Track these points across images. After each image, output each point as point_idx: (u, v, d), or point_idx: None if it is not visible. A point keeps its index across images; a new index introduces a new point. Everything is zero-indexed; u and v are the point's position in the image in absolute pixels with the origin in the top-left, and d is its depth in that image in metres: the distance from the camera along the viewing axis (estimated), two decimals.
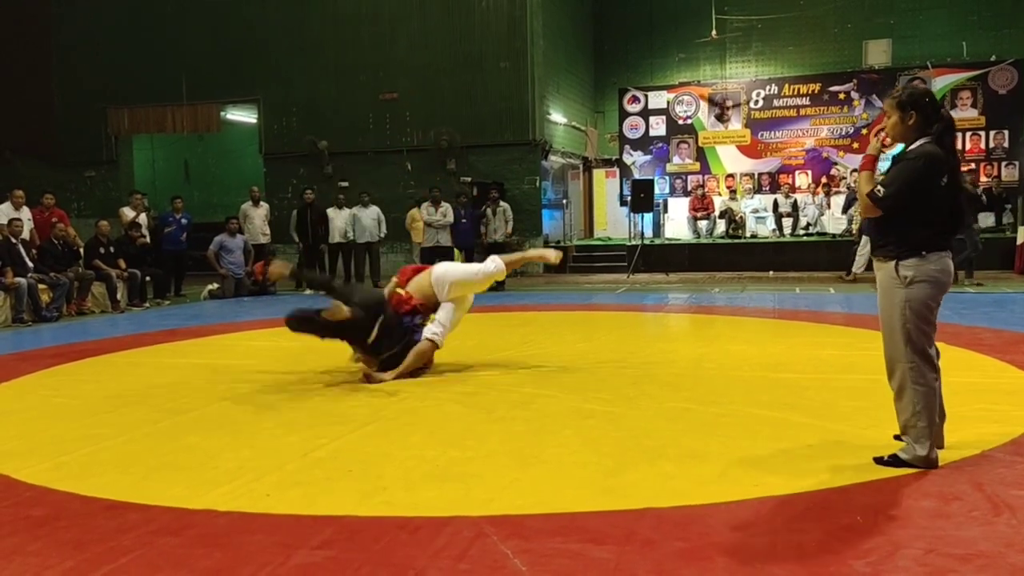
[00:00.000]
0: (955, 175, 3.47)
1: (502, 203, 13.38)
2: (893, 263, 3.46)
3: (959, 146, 17.09)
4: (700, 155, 18.63)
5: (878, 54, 18.11)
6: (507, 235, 13.23)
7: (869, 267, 12.38)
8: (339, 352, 6.98)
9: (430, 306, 5.95)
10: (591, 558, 2.65)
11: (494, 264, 6.03)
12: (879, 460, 3.53)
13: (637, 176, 17.87)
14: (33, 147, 17.85)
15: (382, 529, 2.94)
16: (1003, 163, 16.94)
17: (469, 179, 15.75)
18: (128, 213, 12.51)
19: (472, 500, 3.21)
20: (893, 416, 4.31)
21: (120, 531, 2.97)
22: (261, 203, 13.98)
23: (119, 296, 11.18)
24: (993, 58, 17.02)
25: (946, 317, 8.20)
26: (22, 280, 9.77)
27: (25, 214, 11.00)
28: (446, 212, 13.05)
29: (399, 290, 6.01)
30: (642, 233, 16.04)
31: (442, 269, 6.12)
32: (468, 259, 13.46)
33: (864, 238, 13.15)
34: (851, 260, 13.04)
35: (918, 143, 3.49)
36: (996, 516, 2.91)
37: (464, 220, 13.19)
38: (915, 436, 3.48)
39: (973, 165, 17.07)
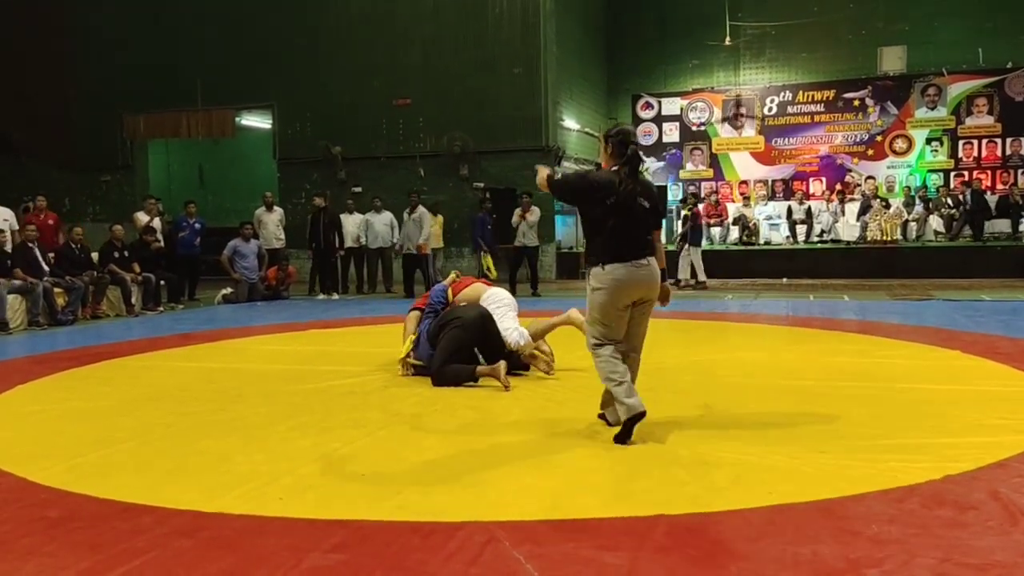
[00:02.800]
0: (628, 199, 4.11)
1: (534, 207, 13.20)
2: (588, 269, 4.26)
3: (974, 153, 17.05)
4: (714, 161, 18.62)
5: (893, 61, 18.03)
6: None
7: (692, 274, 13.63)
8: (351, 357, 7.01)
9: None
10: (604, 564, 2.64)
11: (519, 337, 5.94)
12: (600, 415, 4.46)
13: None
14: (50, 152, 18.02)
15: (394, 533, 2.94)
16: (1019, 170, 16.83)
17: (482, 184, 15.78)
18: (142, 218, 12.60)
19: (485, 505, 3.21)
20: (910, 424, 4.30)
21: (134, 533, 2.98)
22: (275, 208, 14.04)
23: (133, 300, 11.25)
24: (1009, 64, 16.92)
25: (962, 325, 8.19)
26: (37, 283, 9.85)
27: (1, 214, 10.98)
28: (420, 218, 13.15)
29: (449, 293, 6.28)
30: None
31: (495, 301, 6.15)
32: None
33: (687, 246, 13.85)
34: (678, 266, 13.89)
35: (610, 169, 4.27)
36: (1013, 526, 2.88)
37: (490, 227, 13.23)
38: (614, 403, 4.17)
39: (989, 172, 17.01)
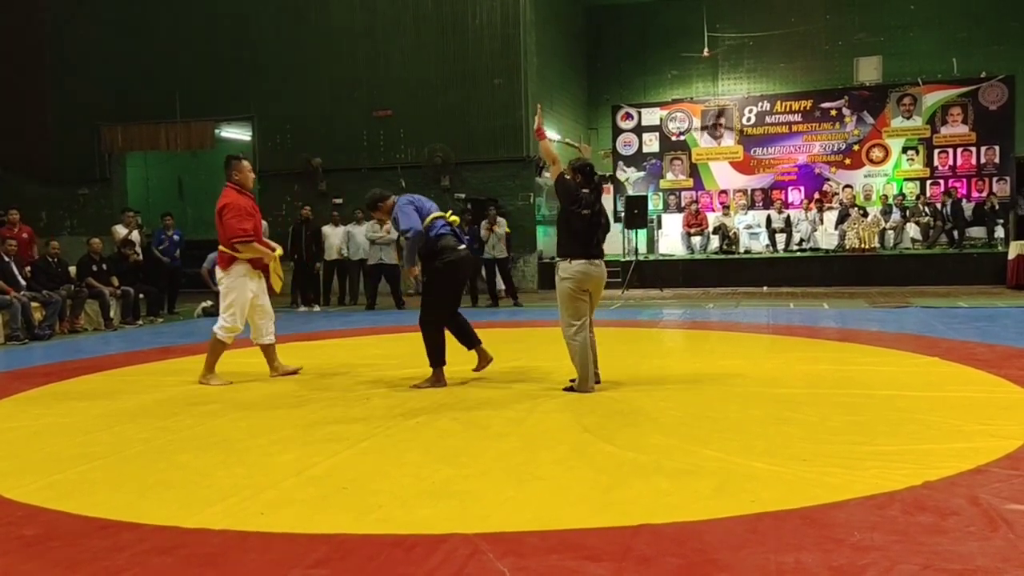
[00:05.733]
0: (594, 217, 5.58)
1: (500, 219, 13.42)
2: (557, 263, 5.69)
3: (950, 162, 17.28)
4: (693, 171, 18.71)
5: (869, 71, 18.24)
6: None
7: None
8: (332, 369, 6.98)
9: None
10: (588, 574, 2.64)
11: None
12: (566, 388, 5.65)
13: (631, 192, 17.94)
14: (27, 165, 17.84)
15: (377, 547, 2.92)
16: (994, 178, 17.05)
17: (463, 195, 15.78)
18: (120, 231, 12.49)
19: (468, 517, 3.20)
20: (890, 430, 4.34)
21: (113, 550, 2.95)
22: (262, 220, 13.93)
23: (112, 314, 11.14)
24: (983, 74, 17.16)
25: (940, 332, 8.28)
26: (15, 297, 9.73)
27: None
28: (390, 230, 13.02)
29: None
30: (636, 249, 16.09)
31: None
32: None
33: None
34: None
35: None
36: (993, 531, 2.90)
37: (467, 237, 13.20)
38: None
39: (964, 180, 17.22)
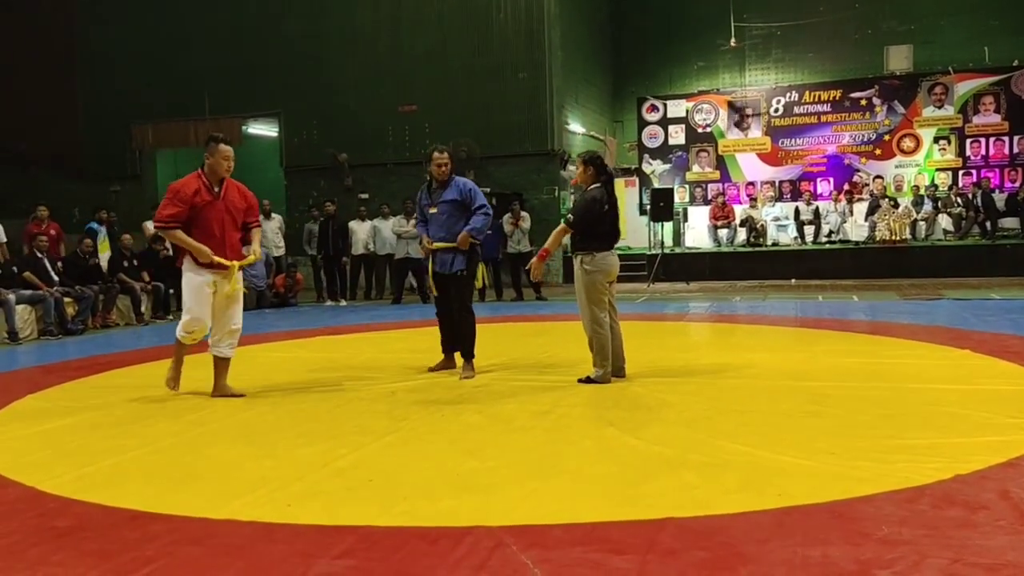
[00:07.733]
0: (612, 208, 5.71)
1: (523, 213, 13.46)
2: (579, 259, 5.64)
3: (982, 152, 17.02)
4: (720, 163, 18.59)
5: (899, 60, 17.99)
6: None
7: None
8: (358, 363, 7.02)
9: None
10: (612, 568, 2.63)
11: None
12: (580, 380, 5.64)
13: (657, 185, 17.87)
14: (59, 163, 18.12)
15: (402, 539, 2.94)
16: None
17: (488, 190, 15.77)
18: (151, 227, 12.62)
19: (492, 510, 3.20)
20: (920, 424, 4.28)
21: (144, 541, 2.99)
22: (273, 216, 14.00)
23: (143, 308, 11.29)
24: (1015, 63, 16.86)
25: (972, 324, 8.15)
26: (48, 293, 9.90)
27: None
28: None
29: None
30: (662, 242, 16.01)
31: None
32: (495, 270, 13.45)
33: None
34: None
35: (592, 187, 5.72)
36: (1023, 525, 2.86)
37: (489, 231, 13.18)
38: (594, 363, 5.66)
39: (997, 170, 16.94)
